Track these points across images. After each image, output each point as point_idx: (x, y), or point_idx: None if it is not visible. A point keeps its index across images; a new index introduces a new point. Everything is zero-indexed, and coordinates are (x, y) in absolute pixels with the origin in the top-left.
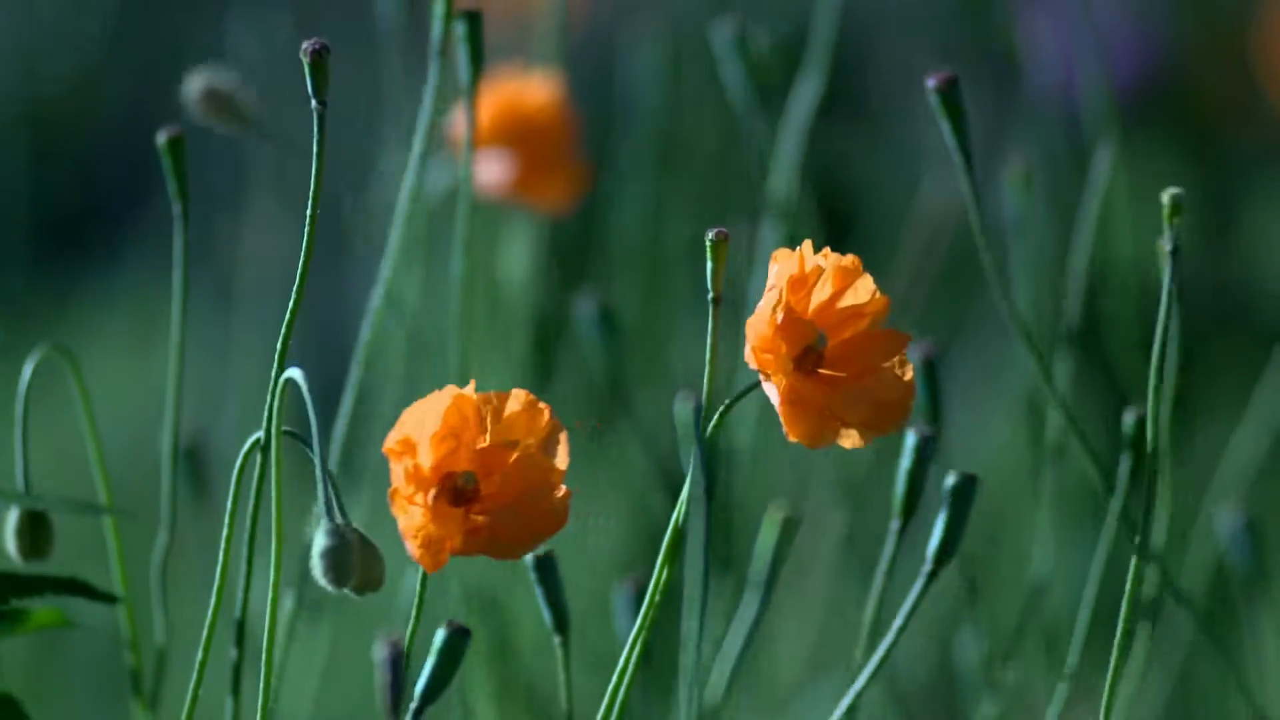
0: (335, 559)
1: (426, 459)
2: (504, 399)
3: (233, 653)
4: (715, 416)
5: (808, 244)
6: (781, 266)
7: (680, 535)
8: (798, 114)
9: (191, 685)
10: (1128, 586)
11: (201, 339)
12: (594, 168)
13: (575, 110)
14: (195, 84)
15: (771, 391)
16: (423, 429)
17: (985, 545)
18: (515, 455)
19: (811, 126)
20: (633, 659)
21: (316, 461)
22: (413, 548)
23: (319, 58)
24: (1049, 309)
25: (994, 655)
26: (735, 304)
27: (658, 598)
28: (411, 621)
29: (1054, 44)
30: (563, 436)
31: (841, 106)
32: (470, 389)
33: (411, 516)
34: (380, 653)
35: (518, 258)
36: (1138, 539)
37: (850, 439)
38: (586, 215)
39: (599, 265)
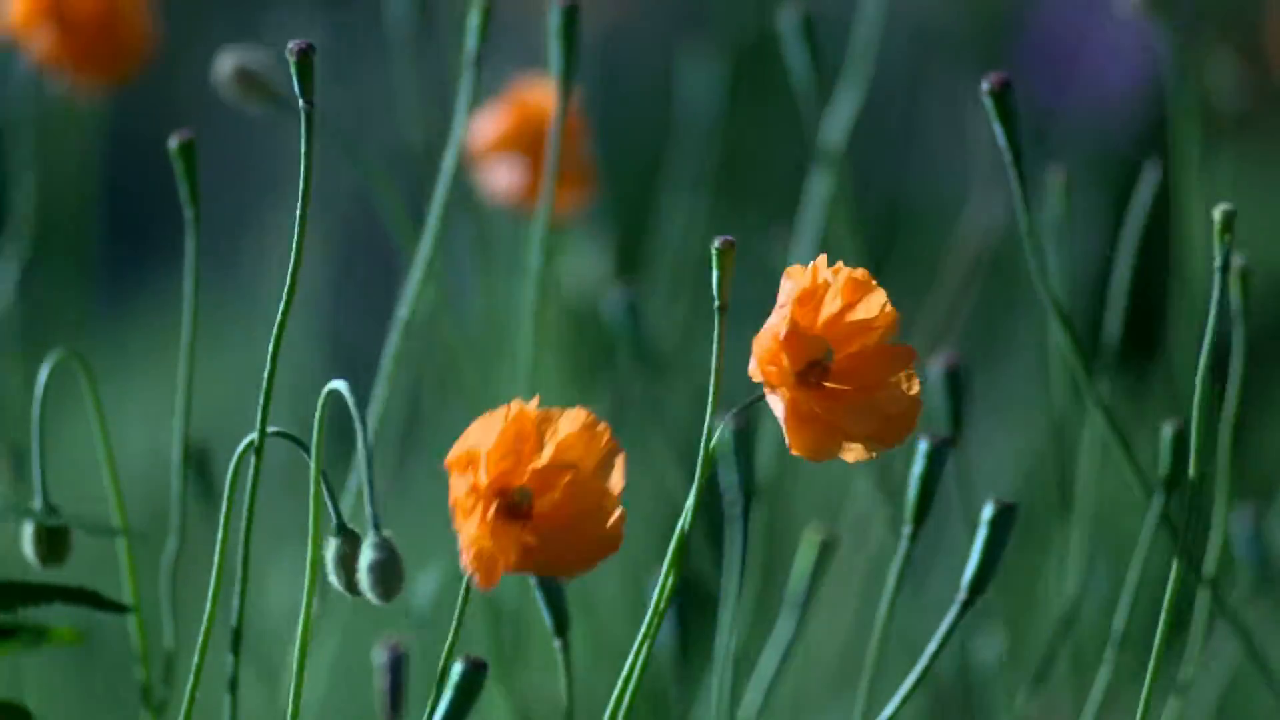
0: (385, 572)
1: (485, 474)
2: (563, 417)
3: (229, 659)
4: (718, 427)
5: (822, 258)
6: (793, 283)
7: (685, 543)
8: (839, 120)
9: (188, 689)
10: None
11: (231, 344)
12: (598, 176)
13: (589, 118)
14: (225, 63)
15: (776, 404)
16: (484, 443)
17: (1010, 557)
18: (569, 477)
19: (848, 144)
20: (637, 667)
21: (363, 472)
22: (467, 560)
23: (305, 58)
24: (1086, 316)
25: (1013, 664)
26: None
27: (663, 605)
28: (450, 638)
29: (1074, 53)
30: (619, 459)
31: (873, 124)
32: (533, 404)
33: (468, 530)
34: (380, 657)
35: (578, 267)
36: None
37: (854, 452)
38: (637, 228)
39: (647, 275)
